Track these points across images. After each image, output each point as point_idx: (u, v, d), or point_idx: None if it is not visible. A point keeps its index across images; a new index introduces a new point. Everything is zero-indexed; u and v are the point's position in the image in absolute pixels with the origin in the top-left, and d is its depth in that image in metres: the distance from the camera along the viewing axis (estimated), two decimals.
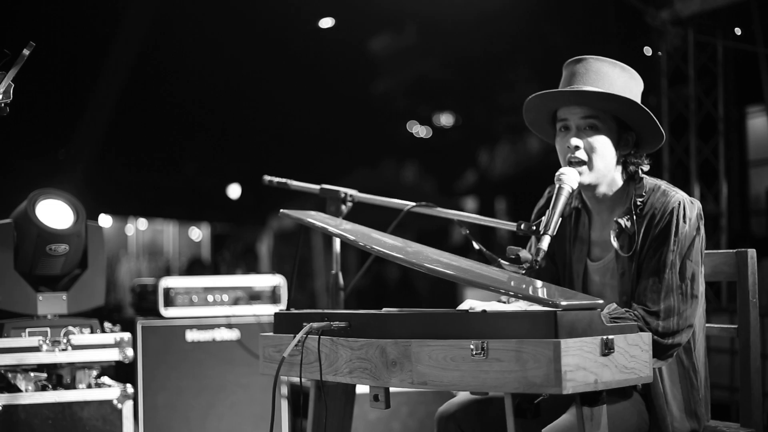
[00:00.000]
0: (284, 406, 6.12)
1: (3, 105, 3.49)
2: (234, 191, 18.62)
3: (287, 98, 14.34)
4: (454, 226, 17.71)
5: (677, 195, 3.42)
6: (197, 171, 16.88)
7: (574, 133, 3.47)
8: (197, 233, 20.76)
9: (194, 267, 15.57)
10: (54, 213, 5.14)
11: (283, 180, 4.92)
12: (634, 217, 3.45)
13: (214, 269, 16.84)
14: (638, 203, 3.46)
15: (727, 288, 8.26)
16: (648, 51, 9.29)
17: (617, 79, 3.45)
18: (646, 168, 3.54)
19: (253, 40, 12.41)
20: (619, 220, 3.47)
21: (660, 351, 3.28)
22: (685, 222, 3.35)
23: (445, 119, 17.15)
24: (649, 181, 3.51)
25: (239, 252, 17.32)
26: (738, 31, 8.64)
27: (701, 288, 3.41)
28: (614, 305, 3.27)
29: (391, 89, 15.85)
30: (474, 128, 17.34)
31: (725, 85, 8.93)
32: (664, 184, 3.49)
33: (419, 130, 17.27)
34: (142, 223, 19.36)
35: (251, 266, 15.72)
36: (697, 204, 3.42)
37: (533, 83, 13.74)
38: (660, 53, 8.90)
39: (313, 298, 14.85)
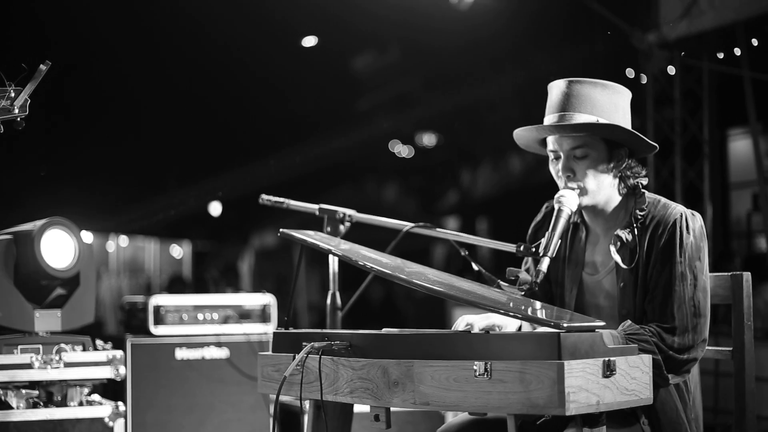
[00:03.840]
0: (271, 425, 6.11)
1: (19, 119, 3.55)
2: (215, 209, 18.58)
3: (269, 117, 14.34)
4: (436, 245, 17.74)
5: (678, 207, 3.47)
6: (178, 188, 16.84)
7: (564, 162, 3.51)
8: (178, 250, 20.71)
9: (175, 285, 15.51)
10: (57, 247, 5.15)
11: (281, 199, 4.92)
12: (635, 230, 3.48)
13: (195, 287, 16.77)
14: (639, 216, 3.49)
15: (714, 310, 8.29)
16: (630, 73, 9.36)
17: (601, 99, 3.49)
18: (644, 182, 3.58)
19: (235, 58, 12.41)
20: (620, 233, 3.50)
21: (676, 367, 3.31)
22: (689, 233, 3.39)
23: (428, 139, 17.18)
24: (649, 195, 3.55)
25: (221, 269, 17.28)
26: (720, 55, 8.71)
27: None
28: (629, 322, 3.30)
29: (373, 108, 15.86)
30: (456, 148, 17.37)
31: (709, 108, 9.01)
32: (663, 199, 3.53)
33: (401, 150, 17.29)
34: (123, 240, 19.31)
35: (232, 283, 15.67)
36: (699, 216, 3.47)
37: (516, 104, 13.78)
38: (644, 76, 8.96)
39: (295, 316, 14.78)
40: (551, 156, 3.57)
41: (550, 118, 3.55)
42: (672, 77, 8.93)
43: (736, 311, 3.70)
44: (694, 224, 3.42)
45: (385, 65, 14.72)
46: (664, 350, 3.28)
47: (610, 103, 3.50)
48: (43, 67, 3.49)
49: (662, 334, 3.30)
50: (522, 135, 3.65)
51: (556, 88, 3.56)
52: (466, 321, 3.43)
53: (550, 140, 3.56)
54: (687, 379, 3.51)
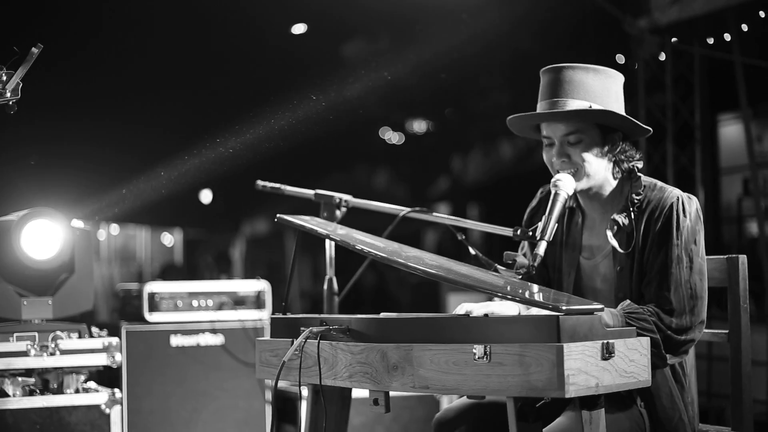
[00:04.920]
0: (267, 411, 6.13)
1: (12, 103, 3.55)
2: (206, 196, 18.54)
3: (259, 104, 14.30)
4: (427, 231, 17.74)
5: (674, 191, 3.48)
6: (169, 176, 16.77)
7: (559, 148, 3.53)
8: (169, 238, 20.66)
9: (168, 273, 15.49)
10: (40, 237, 5.14)
11: (277, 185, 4.94)
12: (632, 213, 3.49)
13: (188, 275, 16.75)
14: (635, 200, 3.51)
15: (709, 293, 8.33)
16: (621, 59, 9.36)
17: (593, 84, 3.50)
18: (640, 165, 3.59)
19: (224, 45, 12.37)
20: (616, 217, 3.51)
21: (675, 347, 3.33)
22: (685, 216, 3.41)
23: (418, 126, 17.15)
24: (645, 179, 3.57)
25: (215, 256, 17.26)
26: (710, 40, 8.72)
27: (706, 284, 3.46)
28: (628, 301, 3.32)
29: (363, 95, 15.82)
30: (447, 135, 17.35)
31: (701, 93, 9.02)
32: (659, 182, 3.55)
33: (392, 137, 17.27)
34: (114, 229, 19.25)
35: (225, 270, 15.65)
36: (695, 200, 3.48)
37: (507, 90, 13.77)
38: (635, 62, 8.97)
39: (286, 304, 14.64)
40: (545, 142, 3.58)
41: (543, 105, 3.55)
42: (663, 63, 8.94)
43: (733, 294, 3.72)
44: (690, 207, 3.44)
45: (376, 52, 14.69)
46: (663, 330, 3.30)
47: (602, 88, 3.51)
48: (34, 50, 3.49)
49: (660, 314, 3.32)
50: (516, 122, 3.66)
51: (549, 74, 3.57)
52: (465, 308, 3.44)
53: (544, 127, 3.57)
54: (683, 362, 3.53)
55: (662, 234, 3.41)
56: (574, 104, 3.47)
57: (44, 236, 5.14)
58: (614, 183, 3.59)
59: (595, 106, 3.46)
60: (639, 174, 3.59)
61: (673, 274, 3.36)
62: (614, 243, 3.51)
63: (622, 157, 3.57)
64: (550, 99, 3.52)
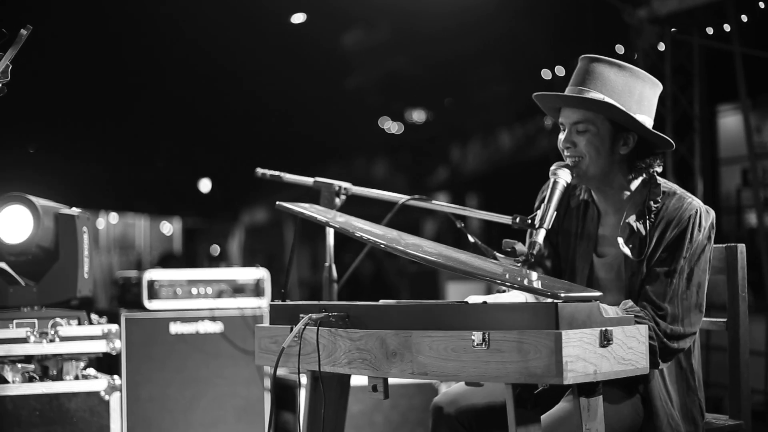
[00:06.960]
0: (266, 399, 6.14)
1: (1, 85, 3.53)
2: (204, 185, 18.56)
3: (259, 93, 14.31)
4: (426, 221, 17.73)
5: (693, 202, 3.46)
6: (168, 165, 16.81)
7: (567, 134, 3.53)
8: (168, 227, 20.70)
9: (167, 262, 15.51)
10: (14, 222, 5.14)
11: (277, 173, 4.94)
12: (648, 221, 3.48)
13: (187, 264, 16.78)
14: (653, 208, 3.49)
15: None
16: (620, 49, 9.37)
17: (615, 80, 3.48)
18: (659, 169, 3.57)
19: (224, 35, 12.36)
20: (631, 223, 3.51)
21: (667, 354, 3.37)
22: (699, 231, 3.40)
23: (417, 115, 17.15)
24: (664, 185, 3.55)
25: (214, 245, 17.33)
26: (710, 30, 8.72)
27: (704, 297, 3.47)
28: (630, 302, 3.32)
29: (363, 85, 15.82)
30: (446, 125, 17.35)
31: (700, 84, 9.03)
32: (679, 190, 3.53)
33: (391, 126, 17.27)
34: (114, 217, 19.30)
35: (223, 258, 15.67)
36: (712, 213, 3.47)
37: (506, 80, 13.77)
38: (634, 52, 8.97)
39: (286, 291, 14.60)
40: (561, 128, 3.60)
41: (566, 90, 3.57)
42: (662, 53, 8.94)
43: (731, 283, 3.73)
44: (705, 223, 3.44)
45: (375, 42, 14.67)
46: (659, 335, 3.31)
47: (624, 86, 3.48)
48: (24, 31, 3.48)
49: (656, 318, 3.33)
50: (541, 101, 3.67)
51: (580, 63, 3.60)
52: (472, 300, 3.45)
53: (561, 112, 3.58)
54: (692, 361, 3.55)
55: (674, 244, 3.41)
56: (589, 95, 3.48)
57: (18, 221, 5.15)
58: (632, 186, 3.58)
59: (608, 101, 3.45)
60: (659, 180, 3.57)
61: (673, 284, 3.38)
62: (626, 251, 3.51)
63: (638, 161, 3.55)
64: (572, 86, 3.54)
